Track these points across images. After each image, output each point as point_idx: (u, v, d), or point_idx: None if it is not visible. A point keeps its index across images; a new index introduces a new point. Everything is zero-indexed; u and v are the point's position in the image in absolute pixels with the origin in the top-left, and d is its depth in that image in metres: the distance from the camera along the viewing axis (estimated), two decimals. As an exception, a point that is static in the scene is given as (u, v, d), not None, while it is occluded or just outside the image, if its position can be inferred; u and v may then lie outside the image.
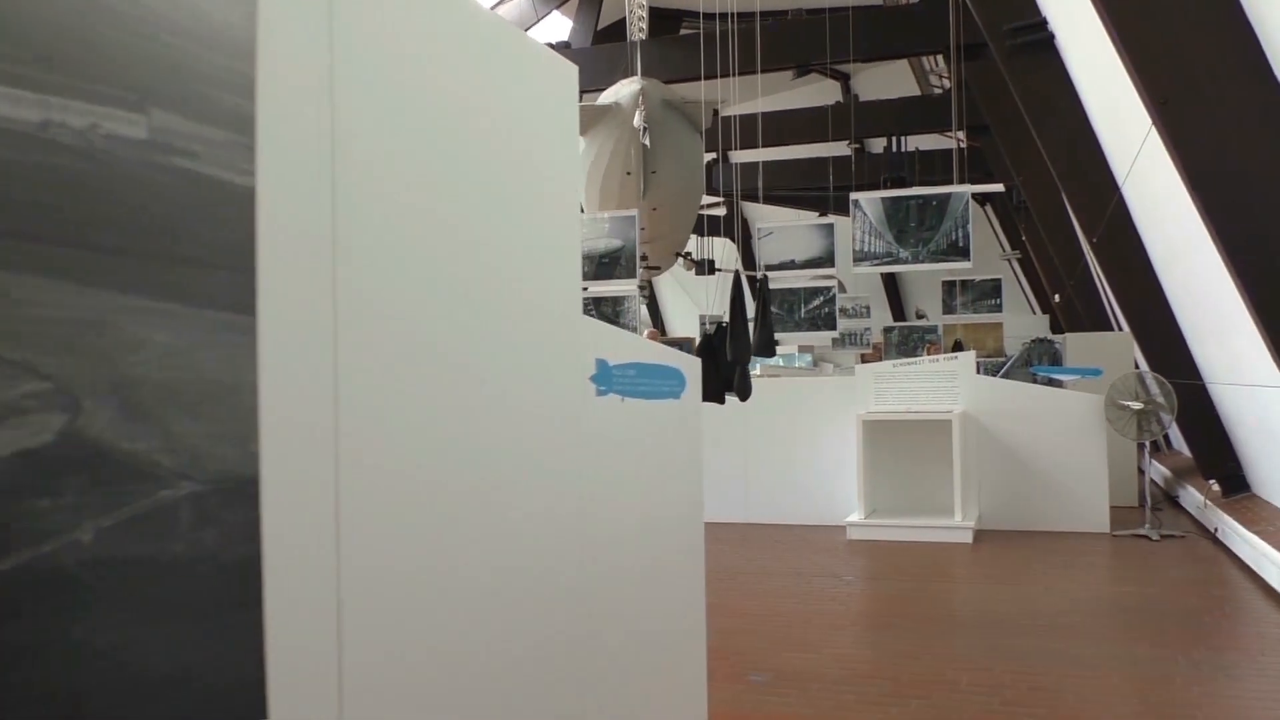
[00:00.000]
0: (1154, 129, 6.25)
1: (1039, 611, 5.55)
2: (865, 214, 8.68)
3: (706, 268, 26.09)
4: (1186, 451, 10.79)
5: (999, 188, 16.30)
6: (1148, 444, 8.07)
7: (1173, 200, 6.68)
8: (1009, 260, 22.31)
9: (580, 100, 11.40)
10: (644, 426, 2.77)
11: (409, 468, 1.65)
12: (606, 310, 9.56)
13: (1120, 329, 11.91)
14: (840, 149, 21.42)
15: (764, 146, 20.44)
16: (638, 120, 9.35)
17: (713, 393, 6.51)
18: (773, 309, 9.13)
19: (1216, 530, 7.46)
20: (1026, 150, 12.58)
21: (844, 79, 23.57)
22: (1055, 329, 18.92)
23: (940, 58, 18.12)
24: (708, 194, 20.96)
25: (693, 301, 29.64)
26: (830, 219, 9.02)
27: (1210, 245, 6.07)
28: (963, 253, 8.41)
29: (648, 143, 9.58)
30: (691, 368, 3.15)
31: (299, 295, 1.38)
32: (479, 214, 1.90)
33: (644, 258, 14.31)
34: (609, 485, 2.52)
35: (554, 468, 2.19)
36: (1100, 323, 12.25)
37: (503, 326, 2.00)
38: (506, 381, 2.01)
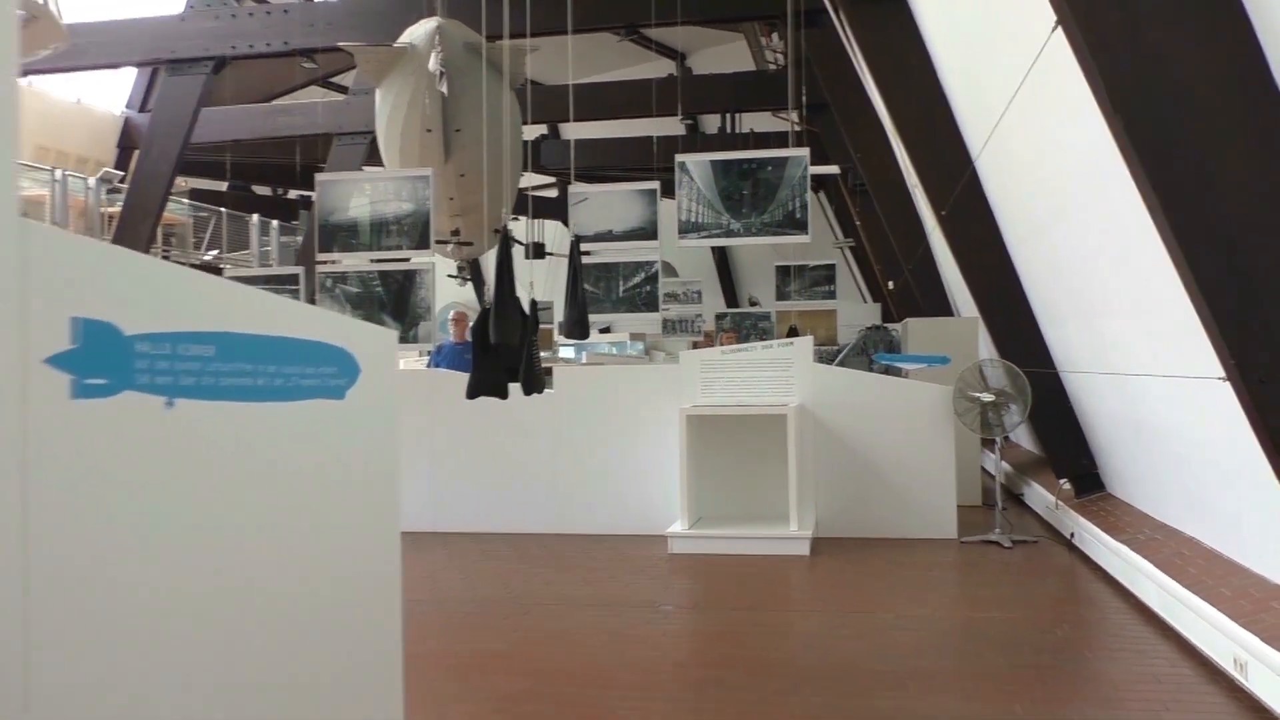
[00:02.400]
0: (1015, 100, 5.36)
1: (891, 652, 4.54)
2: (693, 179, 7.57)
3: (535, 251, 24.73)
4: (1027, 445, 10.25)
5: (835, 169, 15.68)
6: (998, 440, 7.31)
7: (1039, 167, 5.84)
8: (841, 248, 21.98)
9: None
10: (240, 444, 1.47)
11: None
12: (403, 285, 8.12)
13: (958, 316, 11.32)
14: (675, 128, 20.50)
15: (594, 120, 19.30)
16: (433, 64, 7.95)
17: (487, 384, 5.23)
18: (586, 286, 7.93)
19: (1073, 536, 6.73)
20: (867, 126, 11.85)
21: (680, 58, 22.75)
22: (887, 317, 18.58)
23: (777, 35, 17.40)
24: (536, 172, 19.67)
25: (524, 287, 28.28)
26: (652, 184, 7.89)
27: (1080, 218, 5.21)
28: (800, 225, 7.42)
29: (445, 90, 8.19)
30: (380, 347, 1.88)
31: None
32: None
33: (456, 232, 12.87)
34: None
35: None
36: (939, 308, 11.66)
37: None
38: None
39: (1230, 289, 2.83)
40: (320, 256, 8.12)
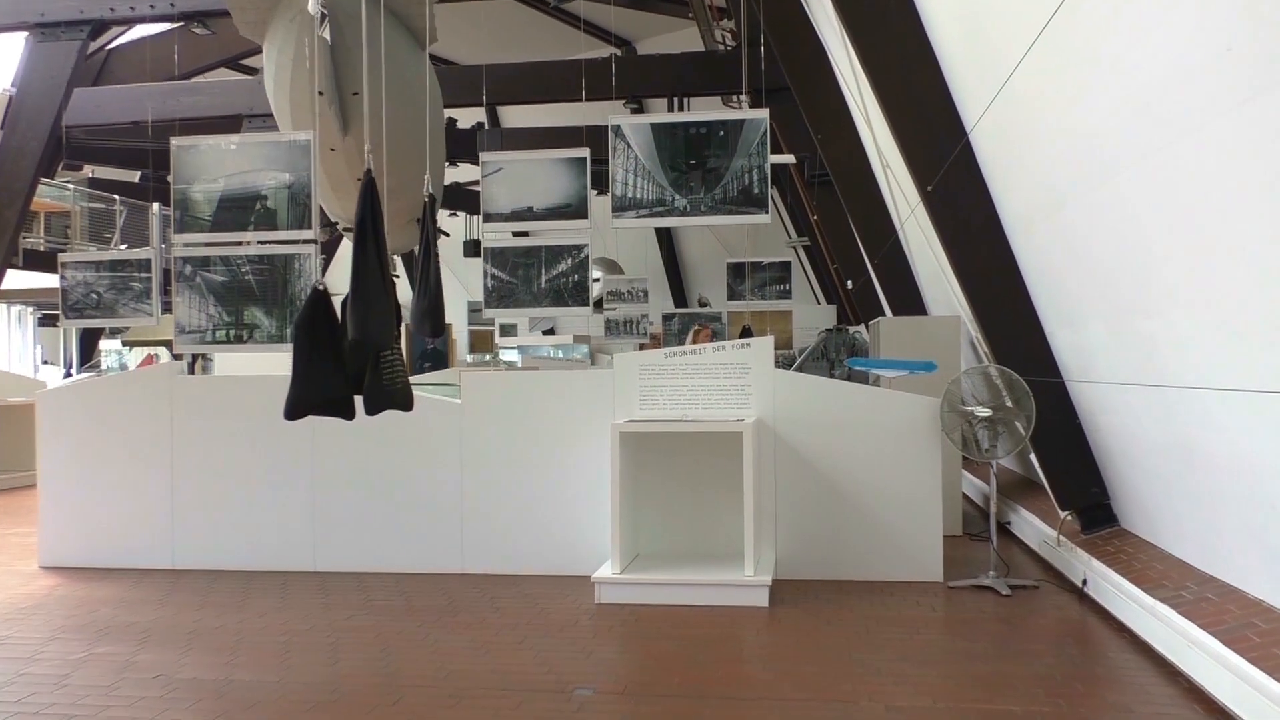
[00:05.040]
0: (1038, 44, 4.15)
1: (890, 774, 3.27)
2: (630, 146, 6.27)
3: (474, 248, 23.26)
4: (1008, 464, 9.08)
5: (790, 159, 14.47)
6: (994, 464, 6.09)
7: (1059, 130, 4.63)
8: (795, 247, 20.92)
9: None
10: None
11: None
12: (279, 273, 6.70)
13: (930, 316, 10.15)
14: (618, 116, 19.18)
15: (523, 102, 17.88)
16: (313, 4, 6.56)
17: (317, 397, 3.84)
18: (499, 273, 6.57)
19: (1085, 583, 5.52)
20: (829, 108, 10.67)
21: (625, 44, 21.53)
22: (842, 319, 17.45)
23: (730, 20, 16.19)
24: (474, 164, 18.27)
25: (463, 286, 26.75)
26: (581, 152, 6.57)
27: (1119, 184, 4.00)
28: (758, 203, 6.15)
29: (327, 36, 6.79)
30: None
31: None
32: None
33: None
34: None
35: None
36: (909, 308, 10.48)
37: None
38: None
39: None
40: (176, 238, 6.67)
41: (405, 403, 4.10)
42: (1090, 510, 6.03)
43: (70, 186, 15.93)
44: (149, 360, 17.31)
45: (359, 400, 3.98)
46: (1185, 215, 3.57)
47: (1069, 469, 6.06)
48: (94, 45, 16.81)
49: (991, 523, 6.05)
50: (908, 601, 5.54)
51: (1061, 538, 6.12)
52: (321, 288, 3.84)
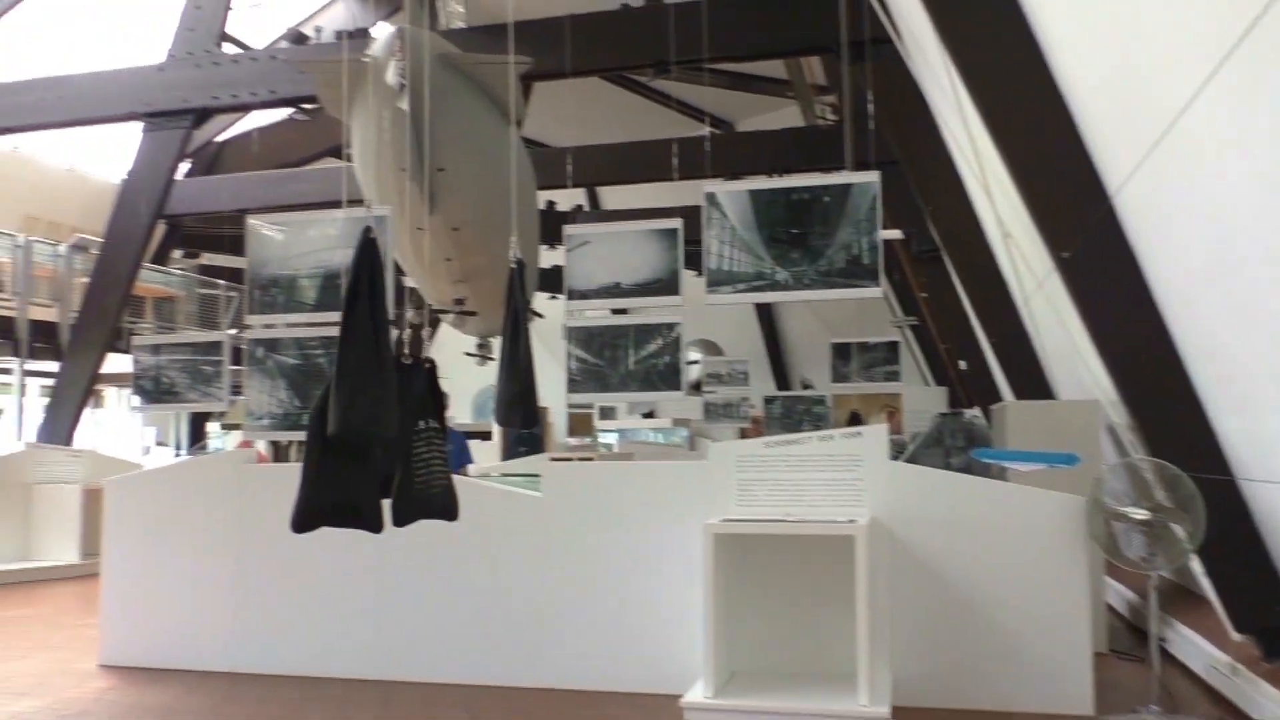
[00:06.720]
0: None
1: None
2: (725, 216, 5.73)
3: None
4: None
5: (896, 234, 13.80)
6: (1155, 576, 5.22)
7: (1234, 184, 3.91)
8: (901, 327, 20.06)
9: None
10: None
11: None
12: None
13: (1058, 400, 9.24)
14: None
15: (618, 183, 17.62)
16: (393, 75, 6.27)
17: (339, 502, 3.27)
18: (580, 353, 6.05)
19: (1279, 725, 4.57)
20: (939, 179, 10.03)
21: (726, 126, 21.35)
22: (954, 403, 16.45)
23: (832, 95, 15.78)
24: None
25: (563, 368, 26.52)
26: (673, 223, 6.06)
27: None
28: (869, 274, 5.52)
29: (406, 107, 6.48)
30: None
31: None
32: None
33: (461, 302, 11.13)
34: None
35: None
36: (1031, 390, 9.59)
37: None
38: None
39: None
40: (248, 319, 6.38)
41: (446, 510, 3.54)
42: (1273, 634, 5.08)
43: (176, 272, 16.25)
44: (247, 443, 17.36)
45: (388, 506, 3.43)
46: None
47: (1245, 583, 5.14)
48: (206, 137, 17.35)
49: (1152, 645, 5.14)
50: (1055, 740, 4.68)
51: (1238, 665, 5.17)
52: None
